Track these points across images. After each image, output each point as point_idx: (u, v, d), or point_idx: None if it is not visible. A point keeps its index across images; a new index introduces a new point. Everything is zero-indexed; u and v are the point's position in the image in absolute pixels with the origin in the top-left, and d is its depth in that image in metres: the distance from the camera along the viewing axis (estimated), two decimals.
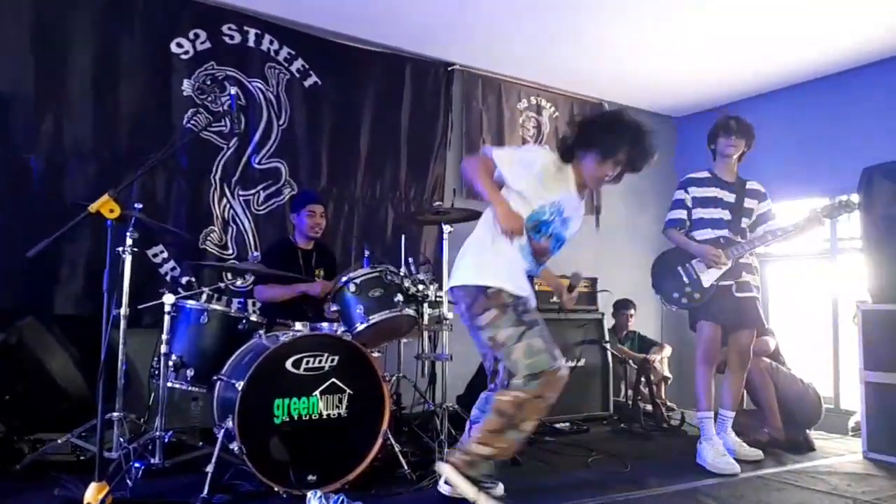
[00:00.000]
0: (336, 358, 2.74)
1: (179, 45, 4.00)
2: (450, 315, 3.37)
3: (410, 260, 3.48)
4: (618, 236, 5.77)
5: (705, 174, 3.46)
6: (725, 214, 3.36)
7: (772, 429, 3.73)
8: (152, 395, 2.91)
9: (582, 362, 4.60)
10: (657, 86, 5.48)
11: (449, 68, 5.01)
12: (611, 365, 4.64)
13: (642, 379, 4.43)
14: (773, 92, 5.42)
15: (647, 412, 4.42)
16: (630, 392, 4.57)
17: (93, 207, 2.42)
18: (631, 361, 4.68)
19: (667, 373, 4.92)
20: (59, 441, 2.77)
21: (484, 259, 2.53)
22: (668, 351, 4.98)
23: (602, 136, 2.49)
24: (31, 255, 2.31)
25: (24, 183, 3.52)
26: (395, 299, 3.05)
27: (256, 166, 4.22)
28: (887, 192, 3.70)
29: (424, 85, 4.91)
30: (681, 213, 3.44)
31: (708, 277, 3.33)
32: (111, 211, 2.42)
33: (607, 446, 3.70)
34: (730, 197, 3.39)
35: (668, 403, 4.79)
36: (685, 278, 3.39)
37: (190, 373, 2.84)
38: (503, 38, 4.64)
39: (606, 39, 4.59)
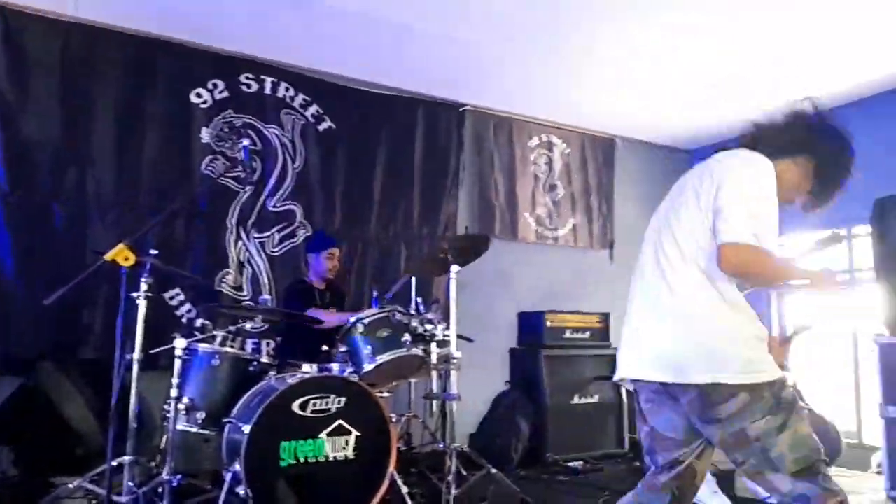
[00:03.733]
0: (343, 399, 2.78)
1: (199, 96, 4.17)
2: (458, 354, 3.40)
3: (419, 300, 3.53)
4: (632, 269, 5.74)
5: None
6: None
7: None
8: (164, 437, 2.97)
9: (596, 398, 4.57)
10: (669, 119, 5.50)
11: (461, 109, 5.12)
12: (625, 401, 4.60)
13: None
14: None
15: None
16: None
17: (108, 256, 2.54)
18: None
19: None
20: (71, 486, 2.82)
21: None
22: None
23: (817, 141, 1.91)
24: (48, 303, 2.41)
25: (47, 230, 3.67)
26: (403, 339, 3.10)
27: (272, 209, 4.34)
28: None
29: (436, 126, 5.02)
30: None
31: None
32: (126, 259, 2.54)
33: (621, 486, 3.62)
34: None
35: None
36: None
37: (201, 415, 2.90)
38: (513, 79, 4.74)
39: (616, 77, 4.65)
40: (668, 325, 1.79)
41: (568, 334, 4.66)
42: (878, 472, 3.84)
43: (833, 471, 3.69)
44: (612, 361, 4.61)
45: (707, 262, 1.74)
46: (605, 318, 4.83)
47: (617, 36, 4.04)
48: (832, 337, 5.11)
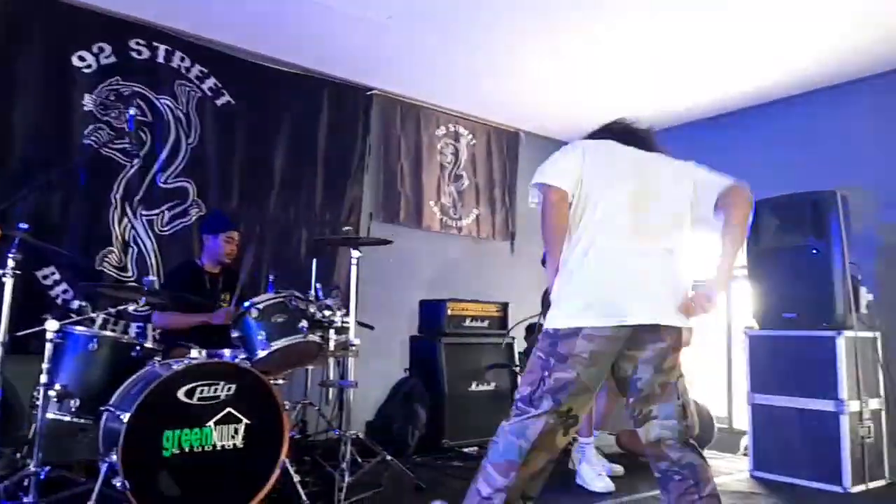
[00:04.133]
0: (233, 386, 2.67)
1: (82, 59, 3.84)
2: (356, 341, 3.36)
3: (318, 285, 3.45)
4: (531, 261, 5.91)
5: None
6: None
7: None
8: (33, 427, 2.73)
9: (493, 386, 4.68)
10: (575, 116, 5.65)
11: (368, 93, 5.03)
12: None
13: None
14: (695, 122, 5.63)
15: None
16: None
17: None
18: None
19: None
20: None
21: None
22: None
23: None
24: None
25: None
26: (300, 325, 3.02)
27: (162, 185, 4.09)
28: (772, 226, 3.98)
29: (343, 109, 4.91)
30: None
31: None
32: None
33: None
34: None
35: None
36: None
37: (75, 403, 2.69)
38: (423, 67, 4.72)
39: (524, 71, 4.73)
40: (674, 280, 2.11)
41: (468, 322, 4.73)
42: (745, 454, 4.19)
43: (706, 453, 4.00)
44: (508, 349, 4.79)
45: (682, 234, 2.19)
46: (504, 307, 4.94)
47: (532, 31, 4.10)
48: (708, 329, 5.51)
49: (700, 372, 5.16)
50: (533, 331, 5.27)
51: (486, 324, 4.83)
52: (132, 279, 3.88)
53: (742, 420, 4.88)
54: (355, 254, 3.48)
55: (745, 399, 3.95)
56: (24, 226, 2.80)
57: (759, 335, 3.96)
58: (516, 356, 4.84)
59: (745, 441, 4.20)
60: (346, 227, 3.76)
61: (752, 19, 3.85)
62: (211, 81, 4.33)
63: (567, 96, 5.22)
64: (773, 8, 3.71)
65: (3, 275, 2.65)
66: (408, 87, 5.15)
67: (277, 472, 2.71)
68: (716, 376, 5.23)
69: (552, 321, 2.05)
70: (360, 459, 3.34)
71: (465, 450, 4.22)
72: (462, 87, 5.09)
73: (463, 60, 4.59)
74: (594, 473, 3.39)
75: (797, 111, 4.90)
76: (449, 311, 4.63)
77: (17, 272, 2.71)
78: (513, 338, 4.88)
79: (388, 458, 3.32)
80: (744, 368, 4.00)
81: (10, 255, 2.69)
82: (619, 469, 3.62)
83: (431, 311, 4.70)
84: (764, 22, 3.87)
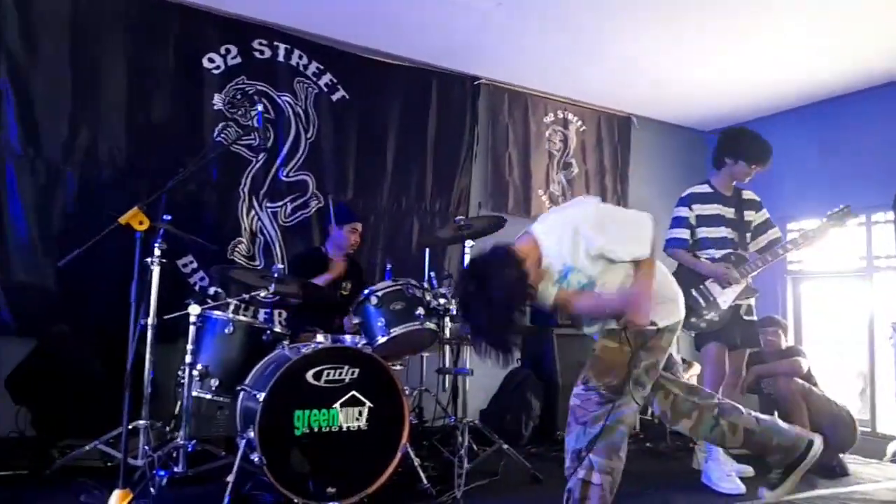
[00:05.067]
0: (356, 371, 2.75)
1: (211, 61, 4.09)
2: None
3: (432, 274, 3.49)
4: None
5: (707, 189, 3.34)
6: (729, 232, 3.27)
7: None
8: (178, 403, 2.95)
9: None
10: (687, 99, 5.41)
11: (475, 82, 5.03)
12: None
13: None
14: (801, 107, 5.30)
15: (674, 431, 4.32)
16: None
17: (123, 219, 2.49)
18: None
19: None
20: (87, 448, 2.82)
21: None
22: (696, 369, 4.87)
23: None
24: (62, 265, 2.38)
25: (60, 193, 3.63)
26: (417, 313, 3.06)
27: (284, 179, 4.29)
28: None
29: (451, 99, 4.93)
30: (684, 233, 3.33)
31: (725, 298, 3.22)
32: (140, 223, 2.50)
33: (630, 465, 3.56)
34: (730, 212, 3.29)
35: None
36: (702, 301, 3.25)
37: (215, 382, 2.88)
38: (529, 54, 4.65)
39: (634, 55, 4.56)
40: None
41: None
42: (893, 461, 3.81)
43: (848, 458, 3.69)
44: None
45: None
46: None
47: (637, 14, 3.94)
48: (848, 324, 5.07)
49: (840, 372, 4.78)
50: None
51: None
52: (259, 267, 4.11)
53: (887, 423, 4.47)
54: (468, 242, 3.48)
55: (894, 400, 3.59)
56: (167, 217, 3.03)
57: None
58: None
59: (894, 446, 3.83)
60: (459, 218, 3.77)
61: None
62: (327, 77, 4.48)
63: (682, 80, 4.96)
64: None
65: (152, 262, 2.87)
66: (515, 75, 5.09)
67: (400, 454, 2.76)
68: (857, 376, 4.81)
69: None
70: (475, 447, 3.35)
71: None
72: (570, 73, 4.96)
73: (570, 48, 4.48)
74: (722, 473, 3.20)
75: None
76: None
77: (163, 261, 2.94)
78: None
79: (505, 446, 3.30)
80: (891, 367, 3.64)
81: (157, 245, 2.91)
82: (748, 470, 3.39)
83: None
84: None
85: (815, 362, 4.08)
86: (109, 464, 2.87)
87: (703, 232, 3.30)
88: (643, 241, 2.22)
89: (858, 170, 4.83)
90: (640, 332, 2.24)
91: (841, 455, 3.67)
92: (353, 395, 2.74)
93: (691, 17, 3.99)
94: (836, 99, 5.07)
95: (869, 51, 4.31)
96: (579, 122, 5.55)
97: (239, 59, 4.18)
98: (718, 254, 3.24)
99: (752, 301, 3.32)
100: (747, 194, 3.35)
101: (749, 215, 3.31)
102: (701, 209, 3.31)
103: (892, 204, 3.69)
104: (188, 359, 2.80)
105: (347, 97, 4.53)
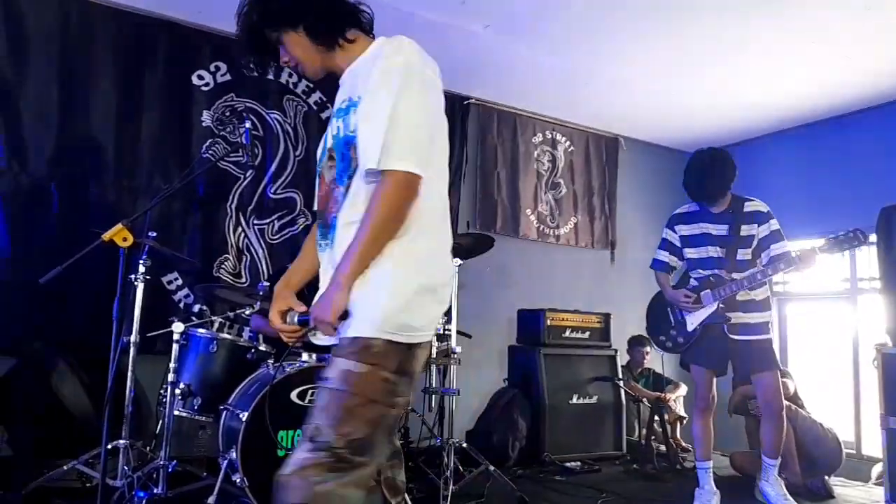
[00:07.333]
0: None
1: (200, 77, 4.10)
2: (458, 349, 3.36)
3: None
4: (633, 271, 5.72)
5: (693, 208, 3.28)
6: (716, 251, 3.16)
7: (790, 474, 3.62)
8: (160, 422, 2.91)
9: (594, 399, 4.54)
10: (674, 121, 5.47)
11: (465, 102, 5.06)
12: (624, 403, 4.56)
13: (656, 418, 4.33)
14: (785, 130, 5.38)
15: (661, 453, 4.32)
16: (644, 431, 4.47)
17: (106, 236, 2.47)
18: (645, 400, 4.58)
19: (682, 412, 4.81)
20: (65, 468, 2.76)
21: None
22: (683, 390, 4.88)
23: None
24: (44, 282, 2.35)
25: (44, 209, 3.59)
26: None
27: (272, 196, 4.28)
28: None
29: None
30: (664, 255, 3.36)
31: (693, 320, 3.21)
32: (124, 239, 2.48)
33: (618, 487, 3.61)
34: (721, 230, 3.16)
35: (683, 444, 4.68)
36: (672, 321, 3.33)
37: (197, 401, 2.84)
38: (519, 75, 4.69)
39: (622, 77, 4.62)
40: None
41: (567, 333, 4.62)
42: (878, 483, 3.82)
43: (833, 480, 3.69)
44: (611, 362, 4.63)
45: None
46: (606, 318, 4.79)
47: (625, 37, 4.00)
48: (833, 346, 5.11)
49: (825, 393, 4.79)
50: (636, 343, 5.07)
51: (586, 335, 4.69)
52: (246, 285, 4.07)
53: (872, 446, 4.48)
54: (455, 261, 3.48)
55: (879, 423, 3.60)
56: (152, 234, 3.00)
57: (895, 353, 3.60)
58: (619, 369, 4.67)
59: (878, 469, 3.84)
60: None
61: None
62: (316, 96, 4.49)
63: (670, 102, 5.03)
64: None
65: (136, 279, 2.84)
66: (504, 96, 5.14)
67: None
68: (843, 397, 4.83)
69: None
70: (461, 469, 3.32)
71: (567, 464, 4.10)
72: (559, 94, 5.01)
73: (560, 69, 4.53)
74: (779, 495, 3.12)
75: None
76: (548, 322, 4.54)
77: (147, 277, 2.91)
78: (615, 350, 4.72)
79: (491, 468, 3.27)
80: (875, 389, 3.65)
81: (141, 262, 2.88)
82: None
83: (530, 321, 4.63)
84: None
85: (801, 384, 4.10)
86: (88, 485, 2.81)
87: (689, 252, 3.28)
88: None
89: (842, 192, 4.90)
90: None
91: (826, 477, 3.68)
92: None
93: (679, 41, 4.06)
94: (820, 122, 5.15)
95: (855, 75, 4.39)
96: (568, 143, 5.60)
97: (229, 77, 4.18)
98: (705, 273, 3.23)
99: (749, 318, 3.14)
100: (751, 206, 3.19)
101: (749, 229, 3.14)
102: (684, 230, 3.29)
103: (875, 227, 3.73)
104: (171, 377, 2.76)
105: None
